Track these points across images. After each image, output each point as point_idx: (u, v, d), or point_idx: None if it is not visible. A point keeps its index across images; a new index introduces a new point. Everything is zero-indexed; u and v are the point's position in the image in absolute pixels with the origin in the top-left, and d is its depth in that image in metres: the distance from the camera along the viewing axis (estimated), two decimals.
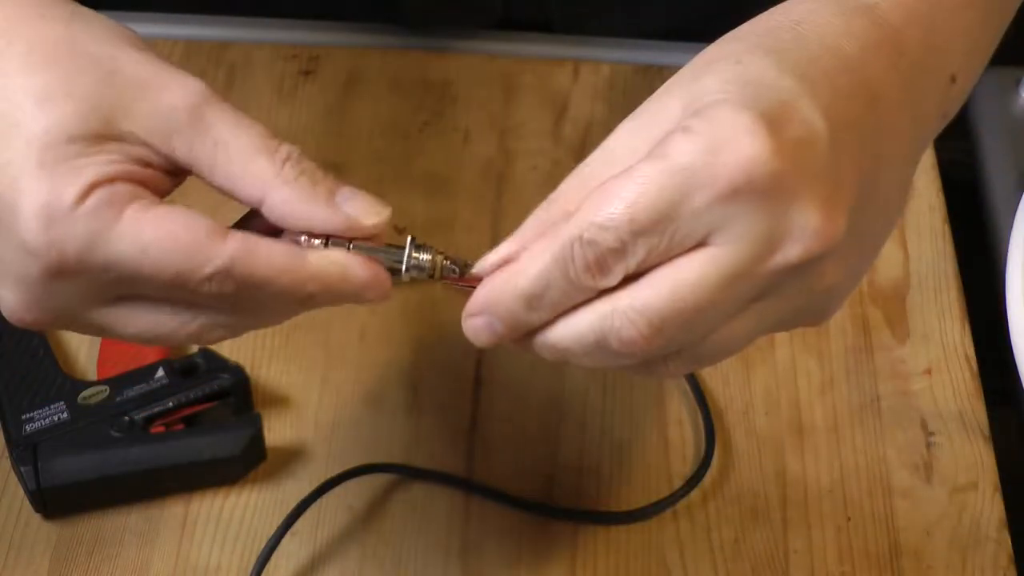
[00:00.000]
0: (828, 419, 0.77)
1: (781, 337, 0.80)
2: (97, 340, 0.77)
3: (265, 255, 0.52)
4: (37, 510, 0.72)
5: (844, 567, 0.72)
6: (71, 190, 0.51)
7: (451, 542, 0.72)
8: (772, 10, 0.57)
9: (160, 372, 0.74)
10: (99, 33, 0.55)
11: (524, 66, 0.93)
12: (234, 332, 0.56)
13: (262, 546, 0.70)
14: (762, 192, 0.50)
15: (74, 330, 0.56)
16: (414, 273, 0.54)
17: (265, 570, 0.70)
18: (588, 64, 0.94)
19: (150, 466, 0.71)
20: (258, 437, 0.73)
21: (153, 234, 0.51)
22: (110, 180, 0.52)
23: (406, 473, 0.73)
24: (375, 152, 0.88)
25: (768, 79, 0.51)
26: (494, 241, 0.83)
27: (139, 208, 0.52)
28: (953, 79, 0.58)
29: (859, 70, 0.54)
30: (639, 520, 0.73)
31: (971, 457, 0.76)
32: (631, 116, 0.54)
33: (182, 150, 0.53)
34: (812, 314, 0.56)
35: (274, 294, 0.53)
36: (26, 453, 0.71)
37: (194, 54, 0.93)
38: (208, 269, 0.52)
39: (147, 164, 0.53)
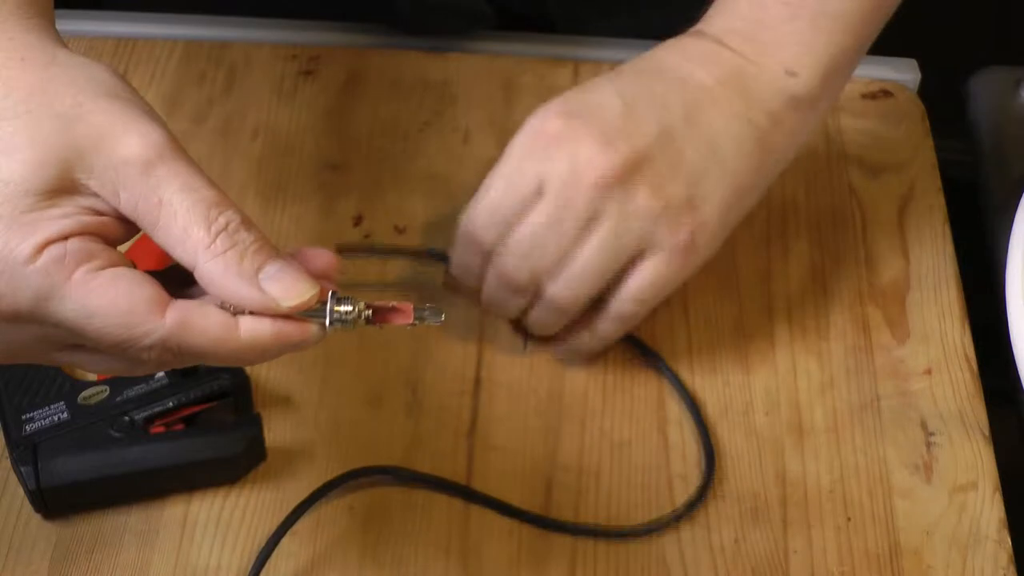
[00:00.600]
0: (828, 419, 0.77)
1: (781, 337, 0.80)
2: None
3: (200, 329, 0.54)
4: (37, 510, 0.72)
5: (844, 567, 0.72)
6: (24, 247, 0.53)
7: (451, 544, 0.72)
8: None
9: (160, 372, 0.74)
10: (73, 78, 0.56)
11: (524, 66, 0.93)
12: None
13: (262, 546, 0.70)
14: (552, 139, 0.72)
15: (39, 363, 0.58)
16: (338, 326, 0.58)
17: (265, 571, 0.70)
18: (588, 64, 0.94)
19: (150, 466, 0.71)
20: (258, 437, 0.73)
21: (97, 302, 0.54)
22: (63, 237, 0.54)
23: (405, 477, 0.73)
24: (375, 152, 0.88)
25: (590, 84, 0.75)
26: None
27: (87, 272, 0.54)
28: (791, 72, 0.74)
29: (666, 64, 0.75)
30: (639, 536, 0.73)
31: (971, 457, 0.76)
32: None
33: (128, 205, 0.55)
34: (652, 236, 0.72)
35: (213, 359, 0.56)
36: (26, 453, 0.71)
37: (194, 54, 0.93)
38: (146, 341, 0.54)
39: (100, 213, 0.55)
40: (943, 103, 0.93)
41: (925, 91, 0.93)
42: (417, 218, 0.85)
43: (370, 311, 0.58)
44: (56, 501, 0.71)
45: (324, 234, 0.84)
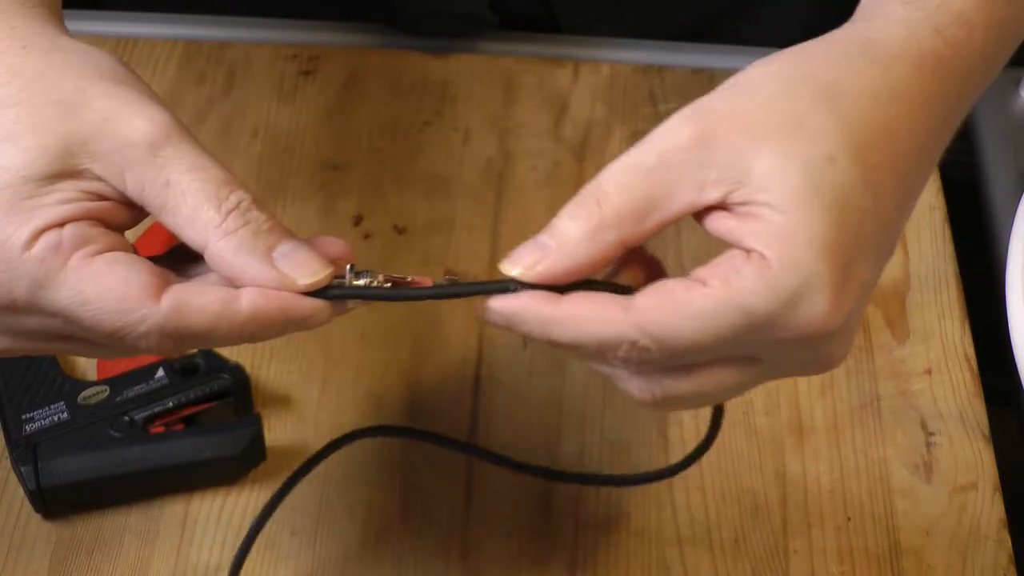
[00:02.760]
0: (828, 419, 0.77)
1: None
2: None
3: (198, 308, 0.53)
4: (37, 510, 0.72)
5: (844, 567, 0.72)
6: (20, 233, 0.52)
7: (451, 544, 0.72)
8: (830, 41, 0.57)
9: (160, 372, 0.74)
10: (76, 64, 0.55)
11: (524, 66, 0.93)
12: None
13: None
14: (818, 341, 0.53)
15: (38, 354, 0.57)
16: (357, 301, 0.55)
17: (265, 571, 0.70)
18: (588, 64, 0.94)
19: (150, 466, 0.71)
20: (258, 437, 0.73)
21: (92, 289, 0.53)
22: (59, 224, 0.53)
23: (408, 435, 0.73)
24: (375, 152, 0.88)
25: (836, 184, 0.52)
26: (494, 241, 0.84)
27: (82, 257, 0.53)
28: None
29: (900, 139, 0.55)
30: (642, 483, 0.73)
31: (971, 457, 0.76)
32: (671, 131, 0.54)
33: (134, 187, 0.54)
34: (815, 367, 0.57)
35: (216, 338, 0.54)
36: (26, 453, 0.71)
37: (194, 54, 0.93)
38: (142, 328, 0.53)
39: (104, 198, 0.54)
40: None
41: None
42: (417, 218, 0.85)
43: (389, 283, 0.56)
44: (56, 501, 0.71)
45: (324, 234, 0.84)
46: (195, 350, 0.74)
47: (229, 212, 0.54)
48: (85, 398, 0.73)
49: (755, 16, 0.97)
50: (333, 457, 0.70)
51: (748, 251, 0.52)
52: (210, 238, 0.54)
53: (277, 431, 0.75)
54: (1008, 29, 0.60)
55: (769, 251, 0.51)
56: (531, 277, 0.53)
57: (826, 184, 0.52)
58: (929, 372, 0.79)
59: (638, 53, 0.95)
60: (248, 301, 0.54)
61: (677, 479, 0.74)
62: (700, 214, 0.54)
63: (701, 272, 0.52)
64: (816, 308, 0.52)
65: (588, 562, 0.72)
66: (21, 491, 0.71)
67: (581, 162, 0.88)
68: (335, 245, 0.56)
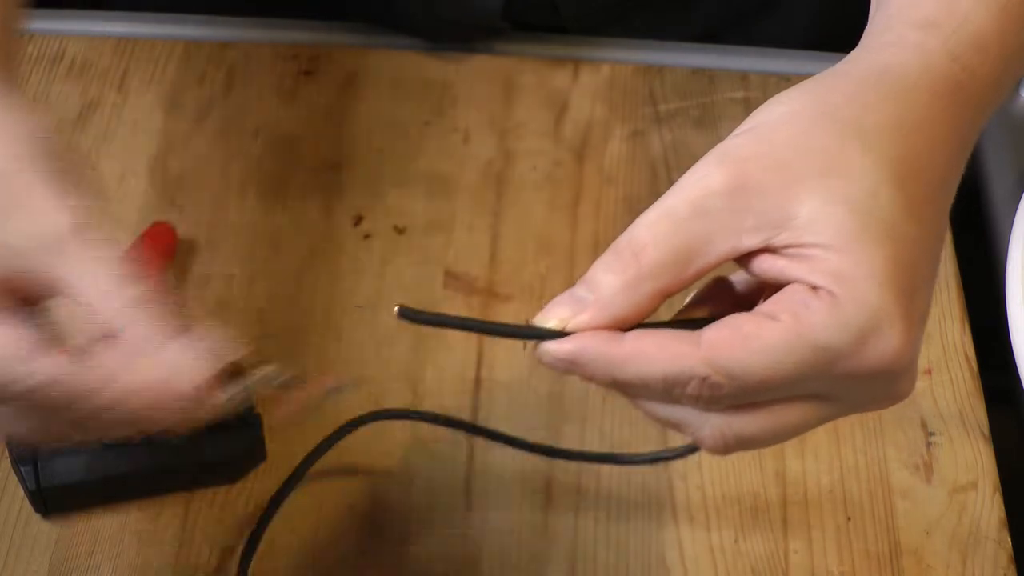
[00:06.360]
0: None
1: None
2: None
3: (81, 380, 0.52)
4: (37, 510, 0.72)
5: (844, 567, 0.72)
6: None
7: (451, 544, 0.72)
8: (844, 72, 0.56)
9: None
10: (6, 137, 0.54)
11: (524, 66, 0.93)
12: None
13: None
14: (891, 376, 0.53)
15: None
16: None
17: (264, 571, 0.70)
18: (588, 64, 0.94)
19: (150, 466, 0.71)
20: (258, 437, 0.73)
21: None
22: None
23: (418, 418, 0.74)
24: (375, 152, 0.88)
25: (883, 219, 0.52)
26: (494, 241, 0.84)
27: None
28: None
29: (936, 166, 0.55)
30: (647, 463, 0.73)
31: (971, 457, 0.76)
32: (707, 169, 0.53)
33: (38, 275, 0.53)
34: (886, 402, 0.57)
35: (96, 411, 0.53)
36: (26, 453, 0.71)
37: (194, 54, 0.93)
38: (19, 387, 0.52)
39: (10, 276, 0.53)
40: None
41: None
42: (417, 218, 0.85)
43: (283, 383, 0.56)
44: (56, 501, 0.71)
45: (324, 234, 0.84)
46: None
47: (132, 302, 0.52)
48: None
49: (764, 22, 0.97)
50: (333, 456, 0.70)
51: (814, 287, 0.51)
52: (114, 324, 0.52)
53: (277, 431, 0.75)
54: (1022, 53, 0.59)
55: (836, 288, 0.51)
56: (570, 330, 0.52)
57: (874, 220, 0.51)
58: (929, 372, 0.79)
59: (638, 53, 0.95)
60: (126, 380, 0.53)
61: (677, 479, 0.74)
62: (742, 259, 0.53)
63: (767, 306, 0.51)
64: (889, 343, 0.51)
65: (588, 562, 0.72)
66: (21, 491, 0.71)
67: (581, 162, 0.88)
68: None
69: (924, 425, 0.77)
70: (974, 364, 0.80)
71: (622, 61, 0.94)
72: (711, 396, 0.51)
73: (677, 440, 0.76)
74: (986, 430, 0.77)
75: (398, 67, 0.93)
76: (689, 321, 0.54)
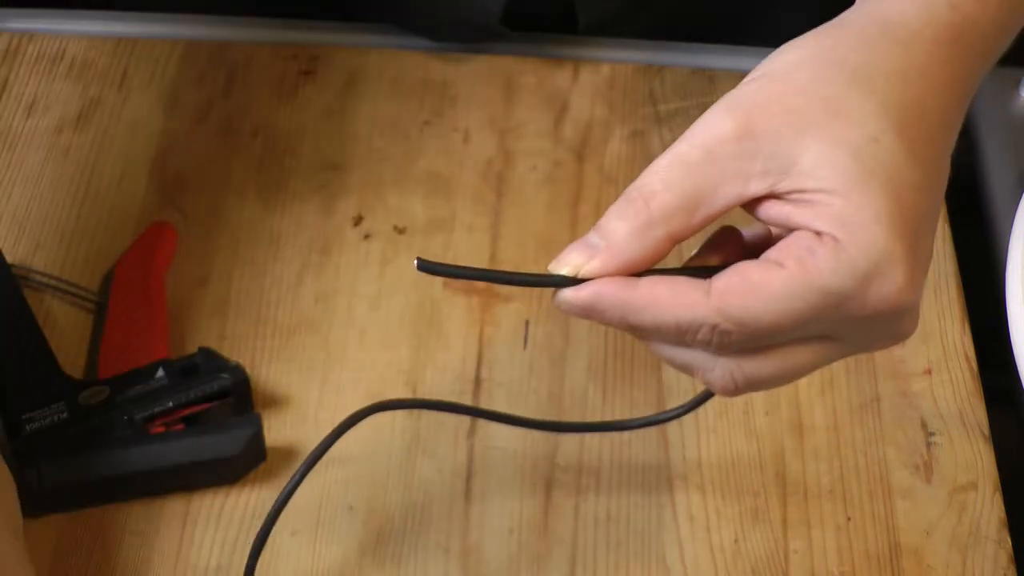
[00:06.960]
0: (828, 419, 0.77)
1: None
2: (97, 339, 0.77)
3: None
4: (37, 510, 0.72)
5: (844, 567, 0.72)
6: None
7: (451, 543, 0.72)
8: (847, 23, 0.58)
9: (160, 372, 0.74)
10: None
11: (524, 66, 0.93)
12: None
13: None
14: (895, 316, 0.54)
15: None
16: None
17: (265, 571, 0.70)
18: (588, 64, 0.94)
19: (150, 466, 0.71)
20: (258, 437, 0.73)
21: None
22: None
23: (415, 405, 0.74)
24: (375, 152, 0.89)
25: (886, 164, 0.53)
26: (494, 241, 0.84)
27: None
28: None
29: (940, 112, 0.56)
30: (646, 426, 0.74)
31: (971, 457, 0.76)
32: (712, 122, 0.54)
33: None
34: (890, 341, 0.58)
35: None
36: (26, 453, 0.71)
37: (194, 54, 0.93)
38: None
39: None
40: None
41: None
42: (417, 218, 0.85)
43: None
44: (56, 501, 0.71)
45: (324, 234, 0.84)
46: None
47: None
48: (85, 398, 0.73)
49: (771, 15, 0.97)
50: (332, 457, 0.70)
51: (818, 233, 0.52)
52: None
53: (277, 431, 0.75)
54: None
55: (839, 232, 0.52)
56: (582, 276, 0.54)
57: (877, 165, 0.53)
58: (929, 372, 0.79)
59: (638, 53, 0.95)
60: None
61: (678, 479, 0.74)
62: (749, 204, 0.54)
63: (773, 253, 0.53)
64: (893, 284, 0.53)
65: (588, 562, 0.72)
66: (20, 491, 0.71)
67: (581, 162, 0.88)
68: None
69: (924, 425, 0.77)
70: (974, 364, 0.80)
71: (622, 61, 0.94)
72: (721, 342, 0.53)
73: (675, 449, 0.76)
74: (986, 430, 0.77)
75: (398, 67, 0.93)
76: (701, 268, 0.55)
